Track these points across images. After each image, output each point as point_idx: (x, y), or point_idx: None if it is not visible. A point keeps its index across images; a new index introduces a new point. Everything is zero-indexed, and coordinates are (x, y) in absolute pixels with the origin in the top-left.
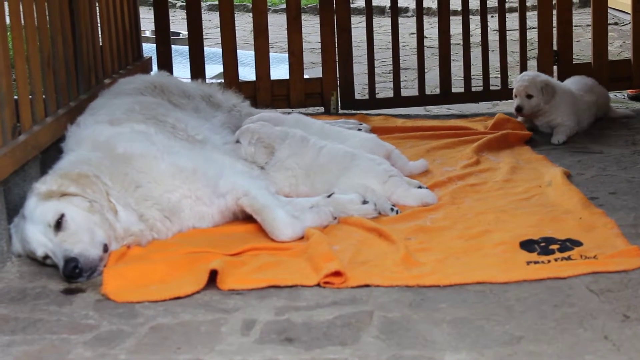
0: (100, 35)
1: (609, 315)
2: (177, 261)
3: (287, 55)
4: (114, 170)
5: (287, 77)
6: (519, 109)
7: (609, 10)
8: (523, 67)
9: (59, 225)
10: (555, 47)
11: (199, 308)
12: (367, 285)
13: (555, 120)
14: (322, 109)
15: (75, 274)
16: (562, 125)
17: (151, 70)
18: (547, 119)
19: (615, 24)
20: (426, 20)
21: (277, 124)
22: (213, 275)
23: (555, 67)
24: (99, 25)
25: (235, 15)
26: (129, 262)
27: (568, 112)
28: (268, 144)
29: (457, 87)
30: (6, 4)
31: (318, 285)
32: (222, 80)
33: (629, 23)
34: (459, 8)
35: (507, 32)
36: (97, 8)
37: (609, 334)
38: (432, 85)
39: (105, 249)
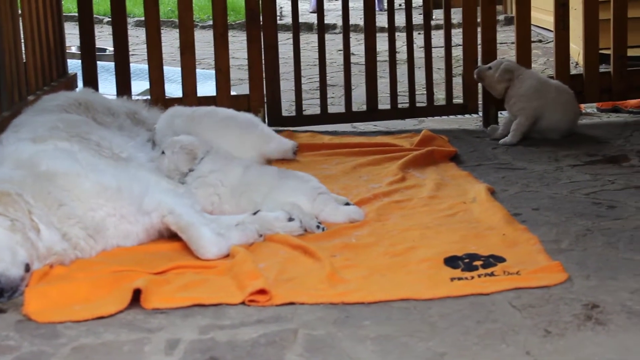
0: (23, 51)
1: (531, 331)
2: (100, 280)
3: (214, 72)
4: (37, 189)
5: (214, 94)
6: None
7: (533, 28)
8: (448, 84)
9: None
10: (479, 65)
11: (122, 327)
12: (292, 303)
13: (516, 104)
14: None
15: None
16: (521, 111)
17: (76, 86)
18: (510, 102)
19: (540, 41)
20: (353, 37)
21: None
22: (137, 294)
23: (480, 85)
24: (22, 40)
25: (163, 31)
26: (52, 282)
27: (529, 97)
28: (190, 150)
29: (384, 103)
30: None
31: (243, 303)
32: (149, 97)
33: (552, 41)
34: (386, 25)
35: (433, 49)
36: (21, 23)
37: (530, 350)
38: (359, 102)
39: (27, 268)
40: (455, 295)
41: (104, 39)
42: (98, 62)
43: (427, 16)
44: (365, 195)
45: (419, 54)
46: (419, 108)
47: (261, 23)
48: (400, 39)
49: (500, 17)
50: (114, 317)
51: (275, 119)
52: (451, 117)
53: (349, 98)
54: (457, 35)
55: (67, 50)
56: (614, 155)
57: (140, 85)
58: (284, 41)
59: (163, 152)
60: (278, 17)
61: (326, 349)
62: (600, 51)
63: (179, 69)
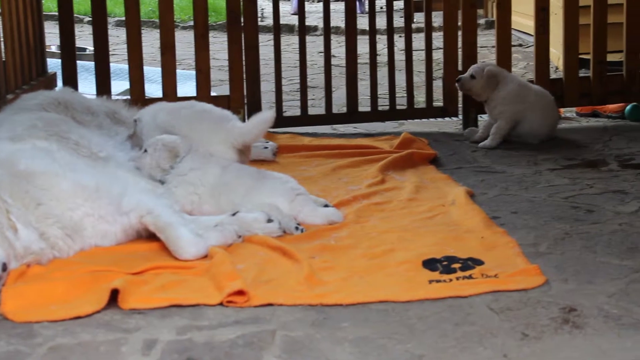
0: (3, 50)
1: (508, 334)
2: (78, 280)
3: (194, 72)
4: (15, 188)
5: (195, 94)
6: (458, 80)
7: (513, 32)
8: (429, 87)
9: None
10: (460, 68)
11: (99, 328)
12: (270, 304)
13: (496, 108)
14: None
15: None
16: (501, 115)
17: (56, 85)
18: (490, 105)
19: (520, 45)
20: (334, 39)
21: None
22: (115, 294)
23: None
24: (1, 39)
25: (144, 31)
26: (29, 281)
27: (509, 101)
28: (172, 147)
29: (364, 106)
30: None
31: (221, 304)
32: (129, 97)
33: (532, 45)
34: (367, 27)
35: (414, 52)
36: (0, 22)
37: (508, 353)
38: (339, 104)
39: (4, 268)
40: (433, 297)
41: (84, 38)
42: (78, 62)
43: (408, 19)
44: (344, 197)
45: (399, 57)
46: (399, 110)
47: (242, 24)
48: (381, 41)
49: (481, 21)
50: (91, 317)
51: None
52: (431, 120)
53: (329, 100)
54: (437, 39)
55: (47, 50)
56: (592, 159)
57: (120, 85)
58: (265, 42)
59: (145, 151)
60: (259, 19)
61: (304, 350)
62: (580, 56)
63: (159, 69)
